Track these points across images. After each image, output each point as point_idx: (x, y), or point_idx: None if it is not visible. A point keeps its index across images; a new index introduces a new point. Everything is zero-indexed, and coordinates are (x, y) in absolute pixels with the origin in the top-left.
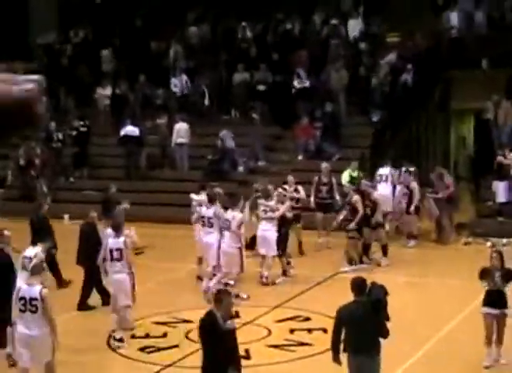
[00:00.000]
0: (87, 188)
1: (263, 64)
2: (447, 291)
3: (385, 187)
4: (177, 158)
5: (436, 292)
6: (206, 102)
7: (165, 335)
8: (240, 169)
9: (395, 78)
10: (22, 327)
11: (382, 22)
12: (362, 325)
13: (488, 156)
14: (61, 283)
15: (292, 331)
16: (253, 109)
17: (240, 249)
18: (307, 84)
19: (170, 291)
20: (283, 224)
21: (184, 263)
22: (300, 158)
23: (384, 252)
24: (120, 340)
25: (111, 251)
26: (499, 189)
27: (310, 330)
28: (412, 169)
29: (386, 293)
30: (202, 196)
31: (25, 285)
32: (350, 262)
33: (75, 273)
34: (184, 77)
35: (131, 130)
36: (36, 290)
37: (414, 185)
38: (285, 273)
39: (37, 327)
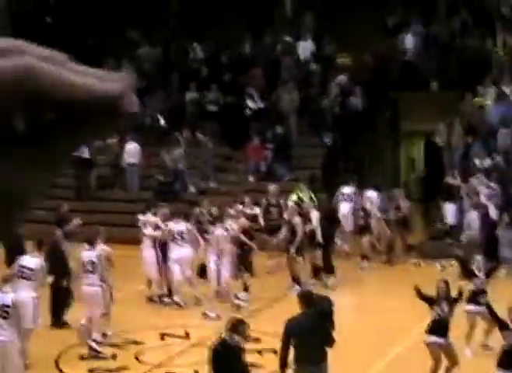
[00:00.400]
0: (38, 207)
1: (214, 84)
2: (393, 312)
3: (346, 206)
4: (127, 178)
5: (384, 313)
6: (161, 122)
7: (114, 357)
8: (191, 189)
9: (345, 99)
10: None
11: (333, 43)
12: (311, 335)
13: (438, 178)
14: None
15: None
16: (200, 130)
17: None
18: (261, 105)
19: (121, 311)
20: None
21: (133, 283)
22: (251, 179)
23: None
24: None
25: (84, 264)
26: (449, 211)
27: (260, 352)
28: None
29: (331, 304)
30: (149, 217)
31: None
32: (295, 281)
33: None
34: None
35: (80, 150)
36: (9, 297)
37: (369, 206)
38: (246, 288)
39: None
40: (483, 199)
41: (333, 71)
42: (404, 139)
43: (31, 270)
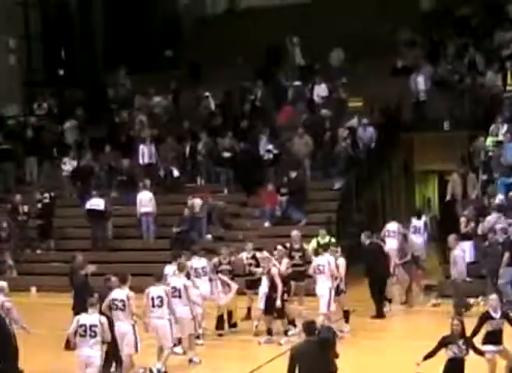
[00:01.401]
0: (54, 260)
1: (229, 131)
2: (414, 352)
3: (392, 242)
4: (143, 227)
5: (403, 354)
6: (176, 173)
7: None
8: (208, 237)
9: (357, 142)
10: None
11: (344, 87)
12: (313, 362)
13: (453, 217)
14: None
15: None
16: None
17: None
18: (276, 151)
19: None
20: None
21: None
22: (267, 224)
23: (346, 319)
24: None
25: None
26: (467, 249)
27: None
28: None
29: (334, 333)
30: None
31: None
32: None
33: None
34: (152, 145)
35: (95, 203)
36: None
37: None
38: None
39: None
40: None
41: (345, 114)
42: (418, 179)
43: (122, 301)
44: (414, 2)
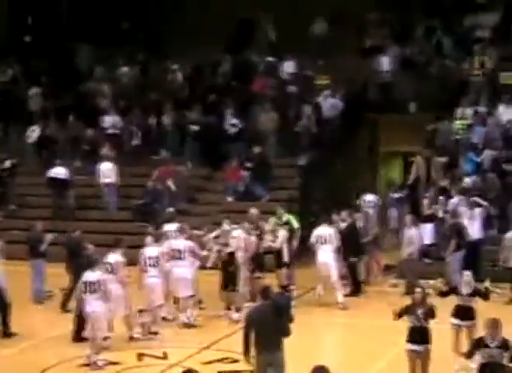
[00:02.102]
0: (14, 227)
1: (196, 105)
2: (374, 331)
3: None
4: (105, 198)
5: (364, 333)
6: (137, 141)
7: None
8: (170, 209)
9: (322, 120)
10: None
11: (313, 64)
12: (267, 325)
13: (416, 199)
14: None
15: None
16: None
17: None
18: (241, 126)
19: None
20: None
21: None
22: (230, 199)
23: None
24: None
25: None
26: (426, 231)
27: (238, 372)
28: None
29: (288, 298)
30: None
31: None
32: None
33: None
34: (117, 116)
35: (58, 171)
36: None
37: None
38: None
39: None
40: (466, 220)
41: (311, 91)
42: (382, 160)
43: (111, 265)
44: None
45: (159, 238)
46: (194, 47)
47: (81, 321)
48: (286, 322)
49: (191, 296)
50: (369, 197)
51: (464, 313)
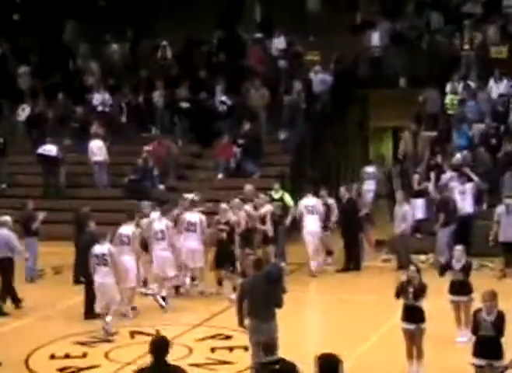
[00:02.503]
0: (4, 206)
1: (186, 82)
2: (367, 307)
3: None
4: (95, 176)
5: (357, 308)
6: (123, 119)
7: (85, 355)
8: (161, 187)
9: (313, 96)
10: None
11: (302, 40)
12: (259, 295)
13: (405, 174)
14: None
15: (213, 349)
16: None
17: None
18: (230, 102)
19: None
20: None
21: None
22: (220, 176)
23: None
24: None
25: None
26: (417, 206)
27: (231, 349)
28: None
29: (280, 269)
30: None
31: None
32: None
33: None
34: (106, 94)
35: (48, 148)
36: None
37: (331, 201)
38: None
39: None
40: (457, 195)
41: (301, 67)
42: (373, 135)
43: (127, 236)
44: None
45: (165, 212)
46: (183, 24)
47: (91, 296)
48: (279, 292)
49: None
50: (369, 169)
51: (459, 288)
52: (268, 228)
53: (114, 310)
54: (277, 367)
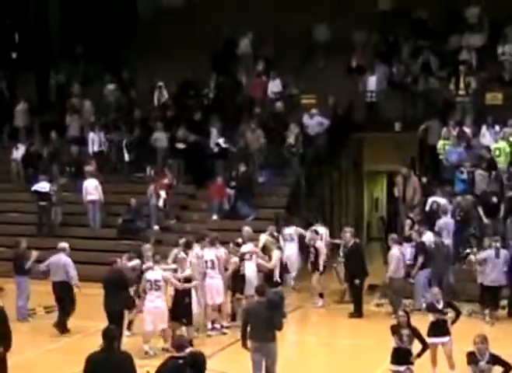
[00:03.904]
0: None
1: (182, 122)
2: (358, 352)
3: (291, 247)
4: (89, 215)
5: (348, 353)
6: (126, 158)
7: None
8: (155, 227)
9: (308, 139)
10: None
11: (298, 83)
12: (261, 319)
13: (397, 218)
14: None
15: None
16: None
17: None
18: (225, 145)
19: (84, 349)
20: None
21: (97, 321)
22: (214, 217)
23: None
24: None
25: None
26: (408, 251)
27: None
28: (320, 228)
29: (281, 296)
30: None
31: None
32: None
33: None
34: (102, 133)
35: (41, 185)
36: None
37: (319, 244)
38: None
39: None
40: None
41: (297, 110)
42: (367, 179)
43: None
44: (372, 1)
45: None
46: (178, 65)
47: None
48: (279, 316)
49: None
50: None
51: (439, 329)
52: (276, 271)
53: (164, 333)
54: None
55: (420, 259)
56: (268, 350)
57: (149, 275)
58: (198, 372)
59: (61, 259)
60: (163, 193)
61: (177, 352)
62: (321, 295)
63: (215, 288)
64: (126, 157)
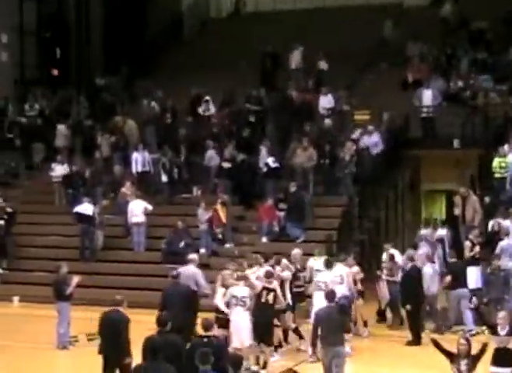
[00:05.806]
0: (38, 269)
1: (231, 141)
2: None
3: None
4: (133, 238)
5: None
6: (164, 178)
7: None
8: (202, 250)
9: (362, 156)
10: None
11: (351, 98)
12: (333, 323)
13: (457, 239)
14: None
15: None
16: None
17: None
18: (274, 165)
19: None
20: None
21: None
22: (264, 240)
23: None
24: None
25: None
26: (472, 275)
27: None
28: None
29: (350, 302)
30: None
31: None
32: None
33: None
34: (146, 153)
35: (84, 208)
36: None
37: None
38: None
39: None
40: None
41: (350, 126)
42: (425, 198)
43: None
44: (430, 14)
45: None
46: (224, 78)
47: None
48: (348, 320)
49: None
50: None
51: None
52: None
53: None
54: None
55: (448, 278)
56: (338, 353)
57: (236, 291)
58: (217, 354)
59: (190, 270)
60: (220, 215)
61: (204, 332)
62: (365, 324)
63: None
64: (164, 178)
